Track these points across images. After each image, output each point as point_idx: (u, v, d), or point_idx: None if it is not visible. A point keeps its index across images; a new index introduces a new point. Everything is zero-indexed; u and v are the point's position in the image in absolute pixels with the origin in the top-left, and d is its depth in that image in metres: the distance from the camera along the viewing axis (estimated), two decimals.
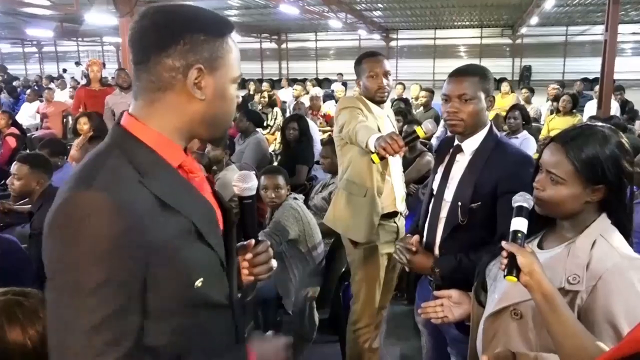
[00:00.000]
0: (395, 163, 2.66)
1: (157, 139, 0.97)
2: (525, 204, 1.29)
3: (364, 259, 2.63)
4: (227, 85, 1.02)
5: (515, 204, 1.30)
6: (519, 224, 1.27)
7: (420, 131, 1.93)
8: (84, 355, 0.82)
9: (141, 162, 0.93)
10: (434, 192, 1.98)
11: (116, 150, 0.93)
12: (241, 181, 1.19)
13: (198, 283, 0.95)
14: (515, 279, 1.19)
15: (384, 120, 2.62)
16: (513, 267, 1.19)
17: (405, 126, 4.42)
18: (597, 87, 7.79)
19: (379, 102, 2.58)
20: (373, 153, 1.99)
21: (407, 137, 1.93)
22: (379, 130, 2.42)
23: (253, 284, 1.25)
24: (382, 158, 1.93)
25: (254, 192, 1.20)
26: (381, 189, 2.55)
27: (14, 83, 15.65)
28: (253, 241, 1.18)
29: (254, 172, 1.24)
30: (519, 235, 1.25)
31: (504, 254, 1.22)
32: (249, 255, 1.17)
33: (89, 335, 0.82)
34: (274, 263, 1.21)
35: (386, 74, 2.55)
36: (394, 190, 2.63)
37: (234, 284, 1.10)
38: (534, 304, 1.20)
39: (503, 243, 1.24)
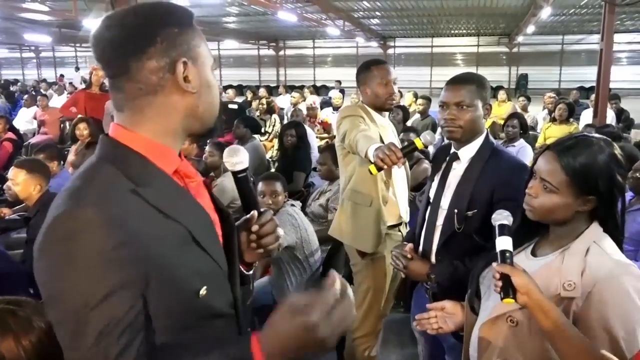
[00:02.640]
0: (400, 171, 2.63)
1: (149, 146, 0.94)
2: (505, 222, 1.30)
3: (371, 269, 2.62)
4: (209, 73, 1.00)
5: (496, 223, 1.30)
6: (504, 243, 1.27)
7: (418, 142, 1.92)
8: None
9: (134, 171, 0.90)
10: (431, 200, 1.99)
11: (107, 161, 0.91)
12: (230, 156, 1.17)
13: (202, 291, 0.93)
14: (512, 301, 1.19)
15: (387, 129, 2.63)
16: (509, 289, 1.19)
17: (402, 134, 4.43)
18: (593, 96, 7.84)
19: (388, 110, 2.60)
20: (372, 163, 1.98)
21: (405, 149, 1.91)
22: (381, 139, 2.43)
23: (255, 265, 1.22)
24: (380, 169, 1.91)
25: (246, 165, 1.18)
26: (386, 197, 2.54)
27: (12, 88, 15.64)
28: (256, 213, 1.14)
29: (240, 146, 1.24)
30: (507, 255, 1.25)
31: (497, 276, 1.22)
32: (255, 227, 1.13)
33: (96, 353, 0.80)
34: (280, 231, 1.18)
35: (395, 81, 2.58)
36: (398, 199, 2.63)
37: (237, 290, 1.07)
38: (536, 323, 1.21)
39: (494, 265, 1.24)
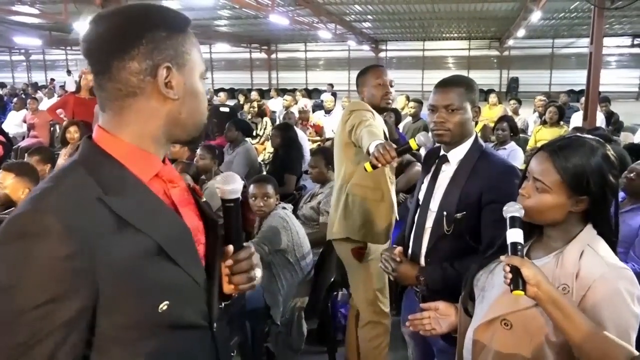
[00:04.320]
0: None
1: (127, 152, 0.92)
2: (517, 214, 1.29)
3: (370, 270, 2.63)
4: (196, 81, 0.98)
5: (507, 215, 1.29)
6: (516, 235, 1.26)
7: (413, 143, 1.94)
8: None
9: (107, 178, 0.88)
10: (420, 202, 1.99)
11: (80, 166, 0.89)
12: (223, 183, 1.08)
13: (163, 307, 0.89)
14: (522, 293, 1.18)
15: (385, 129, 2.66)
16: (519, 281, 1.18)
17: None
18: (583, 99, 7.89)
19: (384, 110, 2.66)
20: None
21: (400, 148, 1.93)
22: (385, 136, 2.49)
23: (234, 295, 1.14)
24: (374, 167, 1.93)
25: (238, 195, 1.09)
26: (391, 192, 2.60)
27: (1, 91, 15.52)
28: (231, 247, 1.06)
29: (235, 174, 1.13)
30: (519, 247, 1.24)
31: (507, 268, 1.21)
32: (229, 262, 1.06)
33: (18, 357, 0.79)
34: (257, 273, 1.08)
35: (391, 83, 2.66)
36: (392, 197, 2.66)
37: (214, 302, 1.04)
38: (546, 315, 1.20)
39: (503, 257, 1.24)
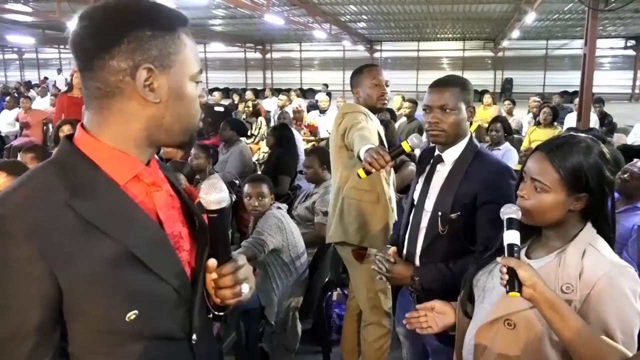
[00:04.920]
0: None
1: (104, 154, 0.89)
2: (514, 215, 1.29)
3: (369, 271, 2.62)
4: (184, 84, 0.92)
5: (504, 217, 1.29)
6: (512, 236, 1.26)
7: (406, 145, 1.89)
8: None
9: (78, 180, 0.85)
10: (415, 202, 1.99)
11: (52, 167, 0.87)
12: (206, 193, 0.97)
13: (131, 315, 0.85)
14: (518, 294, 1.19)
15: (381, 130, 2.66)
16: (514, 282, 1.19)
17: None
18: (576, 100, 7.93)
19: (379, 110, 2.64)
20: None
21: (393, 152, 1.90)
22: (380, 138, 2.48)
23: (229, 307, 1.06)
24: (368, 173, 1.89)
25: (223, 205, 0.99)
26: (388, 193, 2.58)
27: None
28: (214, 262, 0.97)
29: (222, 181, 1.03)
30: (515, 248, 1.25)
31: (503, 269, 1.21)
32: (213, 276, 0.98)
33: None
34: (244, 288, 0.99)
35: (386, 82, 2.65)
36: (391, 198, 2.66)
37: (195, 313, 0.98)
38: (541, 316, 1.21)
39: (500, 259, 1.24)
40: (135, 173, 0.92)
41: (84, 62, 0.87)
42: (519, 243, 1.26)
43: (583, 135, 1.36)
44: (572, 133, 1.39)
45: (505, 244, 1.26)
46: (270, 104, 11.43)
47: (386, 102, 2.64)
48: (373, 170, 1.85)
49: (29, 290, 0.79)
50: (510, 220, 1.28)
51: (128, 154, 0.91)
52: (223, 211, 0.99)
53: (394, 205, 2.69)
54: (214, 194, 0.97)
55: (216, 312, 1.06)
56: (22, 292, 0.79)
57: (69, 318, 0.83)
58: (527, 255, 1.40)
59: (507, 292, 1.20)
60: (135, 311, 0.86)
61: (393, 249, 1.96)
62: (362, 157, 2.01)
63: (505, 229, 1.28)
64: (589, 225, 1.33)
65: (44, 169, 0.87)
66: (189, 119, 0.95)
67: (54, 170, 0.86)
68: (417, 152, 4.31)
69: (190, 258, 0.99)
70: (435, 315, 1.62)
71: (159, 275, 0.89)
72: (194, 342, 0.98)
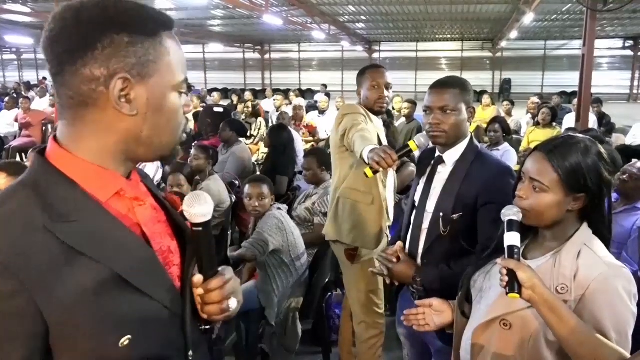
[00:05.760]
0: (388, 174, 2.67)
1: (82, 169, 0.81)
2: (515, 217, 1.30)
3: (362, 272, 2.62)
4: (165, 95, 0.84)
5: (505, 218, 1.30)
6: (513, 238, 1.27)
7: (413, 145, 1.92)
8: None
9: (57, 201, 0.77)
10: (416, 203, 1.99)
11: (27, 189, 0.78)
12: (189, 206, 0.91)
13: (124, 341, 0.79)
14: (517, 296, 1.19)
15: (381, 131, 2.66)
16: (514, 284, 1.20)
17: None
18: (575, 100, 7.95)
19: (377, 113, 2.63)
20: (367, 165, 1.96)
21: (400, 151, 1.91)
22: (379, 139, 2.47)
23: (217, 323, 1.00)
24: (376, 172, 1.90)
25: (207, 219, 0.92)
26: (383, 195, 2.58)
27: None
28: (200, 278, 0.92)
29: (207, 194, 0.96)
30: (515, 250, 1.25)
31: (503, 271, 1.22)
32: (200, 291, 0.92)
33: None
34: (231, 303, 0.94)
35: (387, 85, 2.62)
36: (387, 200, 2.65)
37: (188, 329, 0.92)
38: (540, 317, 1.22)
39: (499, 260, 1.25)
40: (117, 189, 0.85)
41: (54, 67, 0.80)
42: (519, 245, 1.27)
43: (581, 135, 1.37)
44: (570, 134, 1.40)
45: (505, 245, 1.27)
46: (269, 105, 11.43)
47: (384, 105, 2.62)
48: (380, 169, 1.87)
49: (10, 328, 0.72)
50: (510, 222, 1.29)
51: (107, 169, 0.84)
52: (208, 224, 0.93)
53: (390, 207, 2.69)
54: (197, 207, 0.91)
55: (205, 327, 1.00)
56: (3, 330, 0.72)
57: (58, 351, 0.77)
58: (524, 256, 1.41)
59: (507, 293, 1.21)
60: (129, 336, 0.80)
61: (399, 243, 1.96)
62: (365, 157, 2.02)
63: (505, 230, 1.29)
64: (585, 225, 1.34)
65: (15, 191, 0.79)
66: (169, 133, 0.88)
67: (28, 192, 0.78)
68: (417, 153, 4.32)
69: (182, 272, 0.94)
70: (432, 312, 1.63)
71: (149, 296, 0.84)
72: (190, 358, 0.93)
